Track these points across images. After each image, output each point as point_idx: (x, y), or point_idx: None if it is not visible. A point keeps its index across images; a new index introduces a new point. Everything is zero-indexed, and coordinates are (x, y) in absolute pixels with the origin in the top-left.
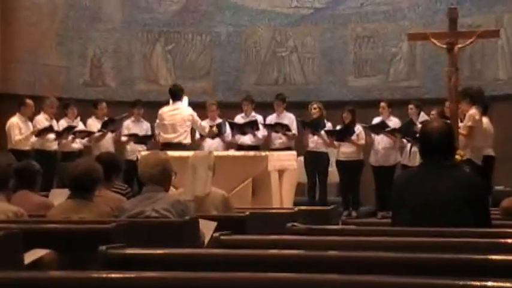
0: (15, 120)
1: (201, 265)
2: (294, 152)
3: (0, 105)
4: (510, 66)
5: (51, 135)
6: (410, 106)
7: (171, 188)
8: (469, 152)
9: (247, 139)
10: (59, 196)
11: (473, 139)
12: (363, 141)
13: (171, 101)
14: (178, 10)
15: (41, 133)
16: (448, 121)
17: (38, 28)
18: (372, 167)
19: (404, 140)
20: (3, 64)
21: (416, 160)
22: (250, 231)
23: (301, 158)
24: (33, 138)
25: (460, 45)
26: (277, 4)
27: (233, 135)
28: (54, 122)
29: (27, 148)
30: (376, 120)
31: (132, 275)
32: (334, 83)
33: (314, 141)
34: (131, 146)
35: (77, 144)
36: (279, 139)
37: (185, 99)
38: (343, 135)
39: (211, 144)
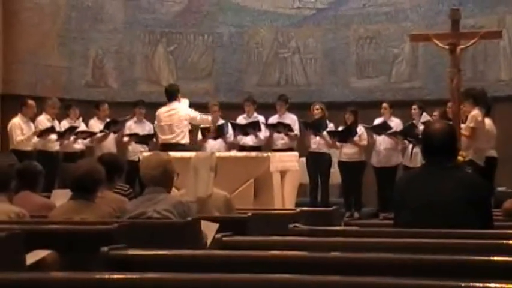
0: (17, 121)
1: (203, 266)
2: (296, 153)
3: (2, 106)
4: None
5: (53, 136)
6: (414, 107)
7: (173, 189)
8: (471, 153)
9: (249, 140)
10: (60, 197)
11: (476, 140)
12: (365, 142)
13: (168, 102)
14: (180, 11)
15: (42, 134)
16: (451, 122)
17: (40, 29)
18: (373, 168)
19: (406, 141)
20: (5, 65)
21: (417, 161)
22: (252, 232)
23: (303, 159)
24: (35, 139)
25: (462, 46)
26: (279, 5)
27: (235, 136)
28: (56, 123)
29: (29, 149)
30: (378, 121)
31: (134, 276)
32: (336, 84)
33: (316, 142)
34: (133, 147)
35: (79, 145)
36: (281, 140)
37: (186, 101)
38: (345, 136)
39: (213, 145)
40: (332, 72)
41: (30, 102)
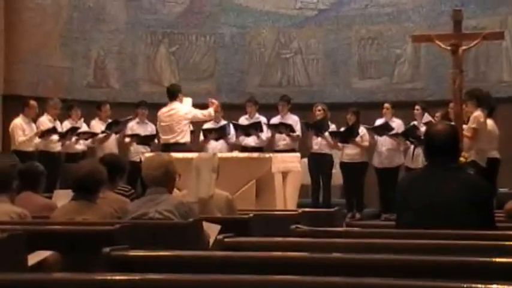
0: (18, 122)
1: (205, 267)
2: (298, 154)
3: (3, 107)
4: None
5: (55, 137)
6: (417, 107)
7: (175, 189)
8: (473, 154)
9: (251, 141)
10: (62, 197)
11: (478, 141)
12: (367, 143)
13: (169, 102)
14: (182, 11)
15: (44, 134)
16: (453, 123)
17: (41, 29)
18: (375, 169)
19: (408, 142)
20: (7, 65)
21: (419, 162)
22: (254, 233)
23: (305, 160)
24: (37, 140)
25: (464, 47)
26: (281, 6)
27: (237, 137)
28: (57, 123)
29: (30, 149)
30: (379, 121)
31: (136, 277)
32: (338, 84)
33: (318, 143)
34: (135, 148)
35: (81, 145)
36: (282, 140)
37: (188, 100)
38: (347, 137)
39: (215, 146)
40: (334, 73)
41: (32, 102)
